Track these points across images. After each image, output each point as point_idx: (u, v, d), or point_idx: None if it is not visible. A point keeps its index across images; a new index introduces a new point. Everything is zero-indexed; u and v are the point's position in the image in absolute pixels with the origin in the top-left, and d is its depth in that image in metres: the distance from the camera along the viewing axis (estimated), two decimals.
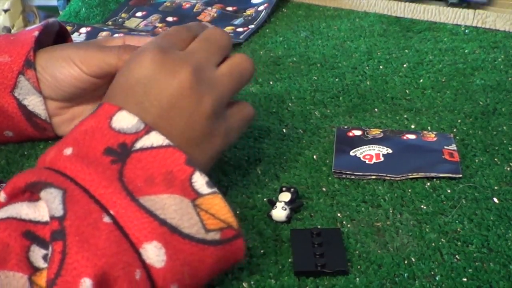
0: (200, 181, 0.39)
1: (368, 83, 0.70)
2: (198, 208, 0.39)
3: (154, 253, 0.37)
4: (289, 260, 0.45)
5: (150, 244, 0.37)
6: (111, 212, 0.37)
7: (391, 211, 0.50)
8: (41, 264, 0.36)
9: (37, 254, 0.36)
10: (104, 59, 0.55)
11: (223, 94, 0.45)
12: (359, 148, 0.57)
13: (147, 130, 0.40)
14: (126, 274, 0.36)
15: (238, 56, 0.48)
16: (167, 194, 0.38)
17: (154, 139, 0.40)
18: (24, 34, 0.58)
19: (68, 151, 0.40)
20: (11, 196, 0.39)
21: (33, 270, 0.35)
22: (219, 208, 0.39)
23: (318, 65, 0.75)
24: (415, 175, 0.53)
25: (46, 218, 0.37)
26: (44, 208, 0.37)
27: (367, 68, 0.74)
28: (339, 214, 0.50)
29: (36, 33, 0.58)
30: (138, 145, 0.39)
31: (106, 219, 0.36)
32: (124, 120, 0.40)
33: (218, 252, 0.40)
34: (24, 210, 0.37)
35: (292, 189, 0.51)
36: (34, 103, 0.57)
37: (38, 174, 0.39)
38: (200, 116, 0.44)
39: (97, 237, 0.35)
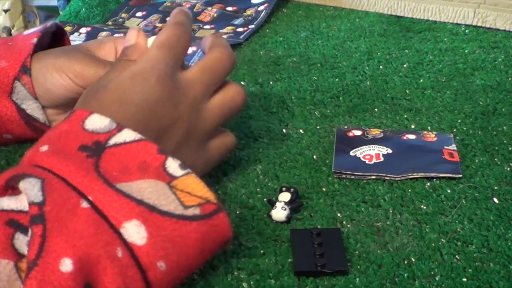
0: (173, 165, 0.41)
1: (368, 83, 0.70)
2: (174, 189, 0.40)
3: (134, 230, 0.37)
4: (289, 260, 0.45)
5: (129, 223, 0.38)
6: (89, 198, 0.38)
7: (391, 211, 0.50)
8: (26, 251, 0.36)
9: (21, 242, 0.37)
10: (99, 75, 0.53)
11: (209, 127, 0.49)
12: (359, 148, 0.57)
13: (119, 128, 0.41)
14: (107, 252, 0.36)
15: (232, 89, 0.51)
16: (142, 179, 0.39)
17: (127, 135, 0.41)
18: (23, 40, 0.58)
19: (44, 148, 0.41)
20: None
21: (19, 256, 0.36)
22: (194, 186, 0.40)
23: (318, 65, 0.75)
24: (415, 175, 0.53)
25: (27, 208, 0.38)
26: (25, 200, 0.38)
27: (367, 68, 0.74)
28: (339, 214, 0.50)
29: (35, 40, 0.57)
30: (112, 141, 0.41)
31: (84, 204, 0.37)
32: (97, 122, 0.42)
33: (201, 228, 0.40)
34: (4, 202, 0.38)
35: (292, 189, 0.51)
36: (32, 107, 0.57)
37: (16, 169, 0.40)
38: (186, 146, 0.47)
39: (75, 221, 0.37)
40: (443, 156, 0.55)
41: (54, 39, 0.63)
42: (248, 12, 0.91)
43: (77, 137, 0.41)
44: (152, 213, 0.38)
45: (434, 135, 0.59)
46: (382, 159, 0.55)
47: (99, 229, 0.37)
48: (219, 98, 0.50)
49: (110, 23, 0.92)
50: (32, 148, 0.42)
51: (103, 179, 0.39)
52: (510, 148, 0.57)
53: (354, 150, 0.57)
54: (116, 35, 0.83)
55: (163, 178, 0.40)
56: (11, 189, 0.40)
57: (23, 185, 0.38)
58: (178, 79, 0.47)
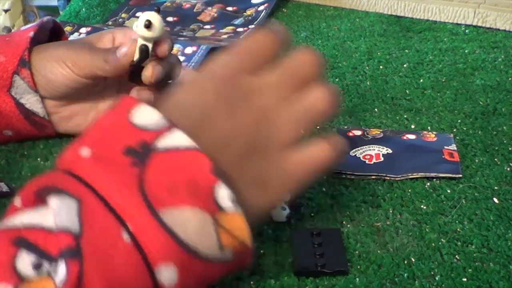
0: (223, 193, 0.36)
1: (368, 83, 0.71)
2: (217, 225, 0.36)
3: (168, 275, 0.35)
4: (289, 260, 0.45)
5: (166, 267, 0.35)
6: (129, 226, 0.34)
7: (391, 211, 0.50)
8: (31, 273, 0.33)
9: (25, 262, 0.33)
10: (94, 63, 0.55)
11: (282, 139, 0.41)
12: (359, 148, 0.57)
13: (170, 127, 0.37)
14: None
15: (314, 93, 0.42)
16: (188, 206, 0.36)
17: (179, 138, 0.37)
18: (19, 35, 0.58)
19: (85, 151, 0.37)
20: (25, 201, 0.37)
21: (20, 279, 0.32)
22: (237, 226, 0.37)
23: None
24: (415, 175, 0.53)
25: (46, 223, 0.34)
26: (47, 214, 0.35)
27: (367, 68, 0.74)
28: (339, 214, 0.50)
29: (32, 33, 0.58)
30: (160, 144, 0.36)
31: (125, 236, 0.34)
32: (145, 115, 0.37)
33: (227, 267, 0.39)
34: (18, 218, 0.35)
35: None
36: (31, 101, 0.57)
37: (52, 178, 0.36)
38: (252, 160, 0.40)
39: (116, 258, 0.34)
40: (443, 156, 0.55)
41: (52, 38, 0.63)
42: (248, 12, 0.91)
43: (122, 133, 0.37)
44: (189, 258, 0.36)
45: (434, 135, 0.59)
46: (382, 159, 0.55)
47: (138, 271, 0.34)
48: (296, 104, 0.41)
49: (110, 23, 0.92)
50: (72, 146, 0.38)
51: (146, 202, 0.35)
52: (510, 148, 0.57)
53: (354, 150, 0.57)
54: None
55: (210, 208, 0.36)
56: (39, 199, 0.36)
57: (55, 202, 0.34)
58: (244, 84, 0.41)
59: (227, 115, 0.40)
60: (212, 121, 0.39)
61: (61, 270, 0.33)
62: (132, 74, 0.57)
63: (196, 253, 0.36)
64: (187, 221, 0.36)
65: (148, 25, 0.52)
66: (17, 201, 0.37)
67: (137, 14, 0.93)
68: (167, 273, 0.35)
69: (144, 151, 0.36)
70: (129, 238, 0.34)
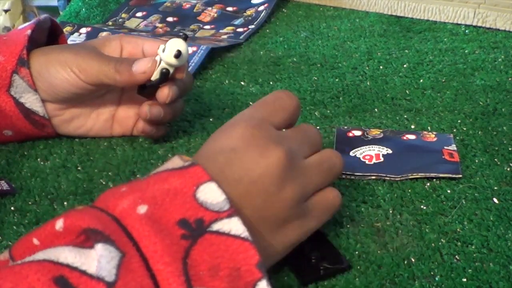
0: None
1: (368, 83, 0.71)
2: None
3: None
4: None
5: None
6: None
7: (391, 212, 0.50)
8: None
9: None
10: (103, 71, 0.55)
11: (308, 185, 0.43)
12: (359, 149, 0.57)
13: (230, 213, 0.37)
14: None
15: (327, 151, 0.46)
16: None
17: (234, 226, 0.37)
18: (17, 34, 0.58)
19: (143, 209, 0.37)
20: (69, 232, 0.36)
21: None
22: None
23: (318, 65, 0.75)
24: (415, 175, 0.53)
25: (88, 268, 0.34)
26: (92, 259, 0.34)
27: (367, 68, 0.74)
28: (339, 215, 0.50)
29: (29, 31, 0.58)
30: (216, 226, 0.37)
31: None
32: (211, 194, 0.38)
33: None
34: (64, 253, 0.34)
35: None
36: (31, 100, 0.57)
37: (104, 223, 0.36)
38: (280, 201, 0.41)
39: None
40: (443, 156, 0.55)
41: (51, 38, 0.63)
42: (248, 12, 0.91)
43: (183, 204, 0.37)
44: None
45: (434, 135, 0.59)
46: (382, 159, 0.55)
47: None
48: (315, 157, 0.45)
49: (110, 23, 0.92)
50: (131, 196, 0.37)
51: (185, 277, 0.34)
52: (510, 148, 0.57)
53: (354, 150, 0.57)
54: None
55: None
56: (87, 241, 0.35)
57: (101, 250, 0.34)
58: (268, 131, 0.43)
59: (255, 154, 0.41)
60: (239, 161, 0.41)
61: None
62: (142, 88, 0.57)
63: None
64: None
65: (178, 55, 0.52)
66: (59, 224, 0.36)
67: (137, 14, 0.93)
68: None
69: (198, 229, 0.36)
70: None
